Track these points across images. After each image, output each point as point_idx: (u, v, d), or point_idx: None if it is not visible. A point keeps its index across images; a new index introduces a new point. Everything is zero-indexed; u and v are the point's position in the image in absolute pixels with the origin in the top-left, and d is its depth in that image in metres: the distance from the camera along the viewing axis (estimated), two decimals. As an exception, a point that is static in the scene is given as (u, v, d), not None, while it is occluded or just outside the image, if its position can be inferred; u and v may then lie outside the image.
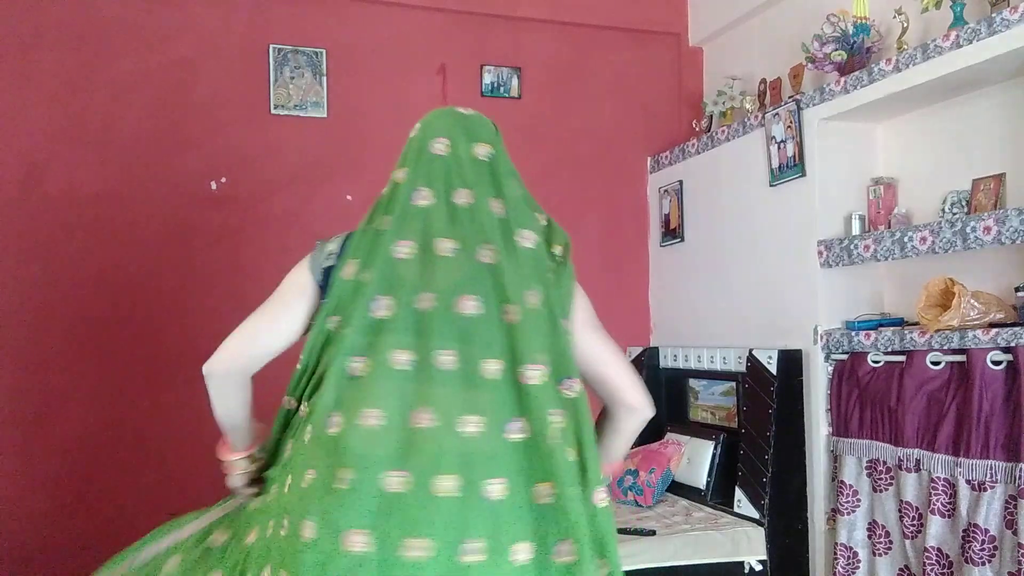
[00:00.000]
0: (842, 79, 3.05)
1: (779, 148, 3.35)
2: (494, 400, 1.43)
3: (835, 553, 3.01)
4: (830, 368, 3.13)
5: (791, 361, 3.22)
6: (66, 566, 3.36)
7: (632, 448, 3.88)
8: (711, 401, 3.79)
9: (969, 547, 2.52)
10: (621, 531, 3.12)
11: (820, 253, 3.16)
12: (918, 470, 2.73)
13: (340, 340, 1.48)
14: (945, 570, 2.64)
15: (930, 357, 2.72)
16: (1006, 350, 2.48)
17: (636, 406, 1.64)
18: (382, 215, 1.54)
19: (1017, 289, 2.57)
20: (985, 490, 2.50)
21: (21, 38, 3.38)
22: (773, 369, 3.22)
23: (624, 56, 4.29)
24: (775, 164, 3.38)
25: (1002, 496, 2.48)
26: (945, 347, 2.66)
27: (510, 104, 4.09)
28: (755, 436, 3.27)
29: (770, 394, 3.21)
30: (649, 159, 4.33)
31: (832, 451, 3.11)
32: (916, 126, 3.12)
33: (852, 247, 3.02)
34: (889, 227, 3.05)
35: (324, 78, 3.78)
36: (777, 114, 3.34)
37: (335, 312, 1.52)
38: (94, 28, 3.48)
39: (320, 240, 1.64)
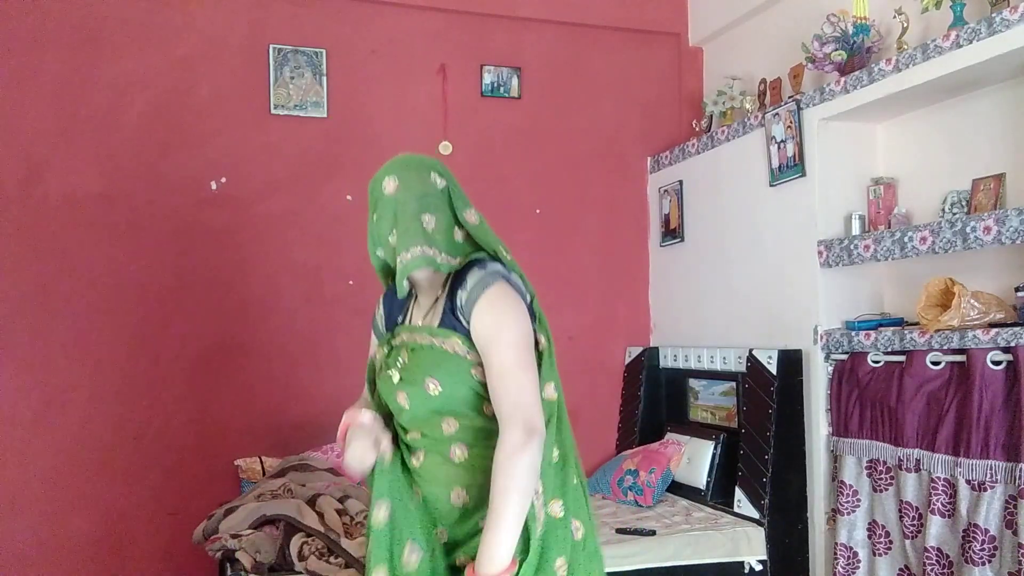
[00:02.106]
0: (842, 79, 3.05)
1: (779, 148, 3.35)
2: None
3: (835, 553, 3.01)
4: (830, 368, 3.13)
5: (791, 361, 3.22)
6: (66, 566, 3.36)
7: (633, 449, 3.90)
8: (711, 401, 3.79)
9: (969, 547, 2.52)
10: (621, 531, 3.13)
11: (820, 253, 3.16)
12: (918, 470, 2.73)
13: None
14: (945, 570, 2.64)
15: (930, 357, 2.72)
16: (1006, 350, 2.48)
17: None
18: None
19: (1017, 289, 2.57)
20: (985, 490, 2.50)
21: (21, 38, 3.38)
22: (773, 369, 3.22)
23: (624, 56, 4.29)
24: (775, 164, 3.38)
25: (1002, 496, 2.48)
26: (945, 347, 2.66)
27: (510, 104, 4.09)
28: (755, 436, 3.27)
29: (770, 394, 3.21)
30: (649, 159, 4.33)
31: (832, 451, 3.11)
32: (916, 126, 3.12)
33: (852, 247, 3.02)
34: (889, 227, 3.05)
35: (324, 78, 3.78)
36: (777, 114, 3.34)
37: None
38: (94, 28, 3.48)
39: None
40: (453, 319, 1.67)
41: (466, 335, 1.65)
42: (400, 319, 1.81)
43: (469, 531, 1.68)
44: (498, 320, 1.63)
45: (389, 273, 1.79)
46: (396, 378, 1.71)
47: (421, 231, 1.66)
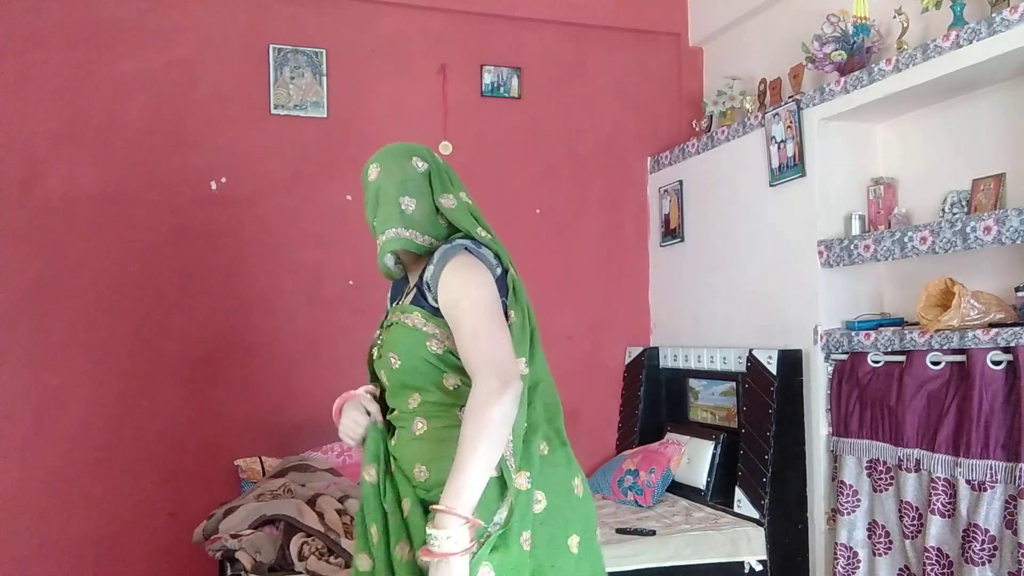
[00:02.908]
0: (842, 79, 3.05)
1: (779, 148, 3.35)
2: None
3: (835, 553, 3.01)
4: (830, 368, 3.13)
5: (791, 361, 3.22)
6: (66, 566, 3.36)
7: (633, 449, 3.90)
8: (711, 401, 3.79)
9: (969, 547, 2.52)
10: (621, 531, 3.13)
11: (820, 253, 3.16)
12: (918, 470, 2.73)
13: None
14: (945, 570, 2.64)
15: (930, 357, 2.72)
16: (1006, 350, 2.48)
17: None
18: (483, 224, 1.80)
19: (1017, 289, 2.57)
20: (985, 490, 2.50)
21: (21, 38, 3.38)
22: (773, 369, 3.22)
23: (624, 56, 4.29)
24: (775, 164, 3.38)
25: (1002, 496, 2.48)
26: (945, 347, 2.66)
27: (510, 104, 4.09)
28: (755, 436, 3.27)
29: (770, 394, 3.21)
30: (649, 159, 4.33)
31: (832, 451, 3.11)
32: (916, 126, 3.13)
33: (852, 247, 3.02)
34: (889, 227, 3.05)
35: (324, 78, 3.78)
36: (777, 114, 3.34)
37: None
38: (94, 28, 3.48)
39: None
40: (419, 296, 1.71)
41: (429, 310, 1.68)
42: (395, 303, 1.87)
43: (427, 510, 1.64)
44: (462, 285, 1.63)
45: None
46: (376, 355, 1.79)
47: (399, 213, 1.72)
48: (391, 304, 1.90)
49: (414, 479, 1.68)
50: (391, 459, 1.74)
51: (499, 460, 1.54)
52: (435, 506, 1.50)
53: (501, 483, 1.57)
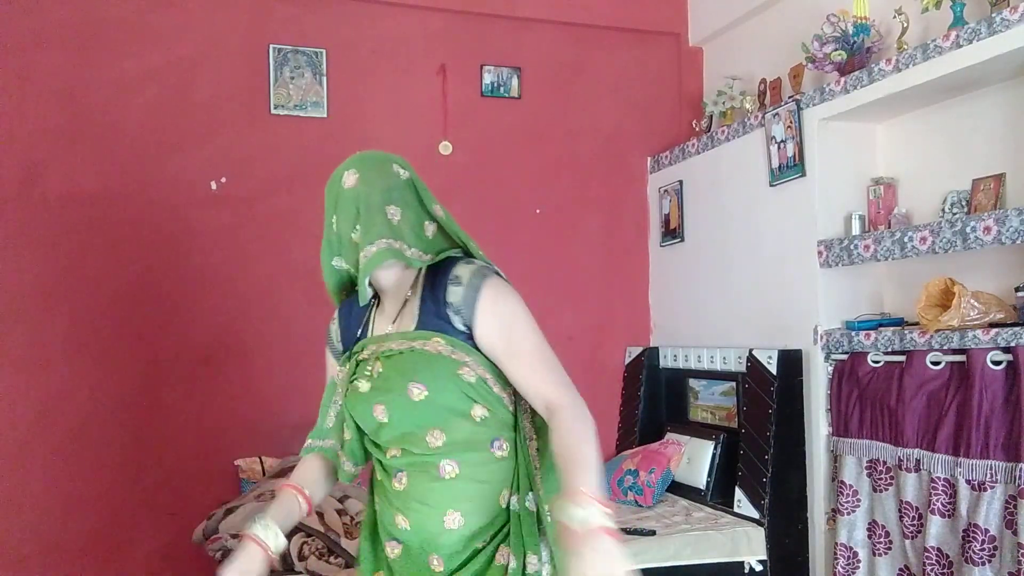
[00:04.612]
0: (842, 79, 3.05)
1: (779, 148, 3.35)
2: None
3: (835, 553, 3.01)
4: (830, 368, 3.13)
5: (791, 361, 3.22)
6: (66, 566, 3.36)
7: (633, 449, 3.90)
8: (711, 401, 3.79)
9: (969, 547, 2.52)
10: (621, 531, 3.12)
11: (820, 253, 3.16)
12: (918, 470, 2.73)
13: None
14: (945, 570, 2.63)
15: (930, 357, 2.72)
16: (1006, 350, 2.47)
17: None
18: None
19: (1017, 289, 2.57)
20: (985, 490, 2.50)
21: (21, 38, 3.38)
22: (773, 369, 3.22)
23: (624, 56, 4.29)
24: (775, 164, 3.38)
25: (1002, 496, 2.48)
26: (945, 347, 2.66)
27: (510, 104, 4.09)
28: (755, 436, 3.27)
29: (770, 394, 3.21)
30: (649, 159, 4.33)
31: (832, 451, 3.11)
32: (916, 126, 3.12)
33: (852, 247, 3.02)
34: (889, 227, 3.05)
35: (324, 78, 3.78)
36: (777, 114, 3.34)
37: None
38: (94, 28, 3.48)
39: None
40: (437, 320, 1.56)
41: (455, 335, 1.55)
42: (360, 332, 1.68)
43: (469, 557, 1.55)
44: (512, 310, 1.55)
45: (343, 287, 1.70)
46: (365, 387, 1.58)
47: (387, 223, 1.54)
48: (346, 336, 1.71)
49: (443, 527, 1.54)
50: (397, 511, 1.59)
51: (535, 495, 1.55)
52: (582, 489, 1.36)
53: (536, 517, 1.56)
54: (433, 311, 1.57)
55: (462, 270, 1.58)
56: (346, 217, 1.58)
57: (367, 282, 1.56)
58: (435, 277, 1.60)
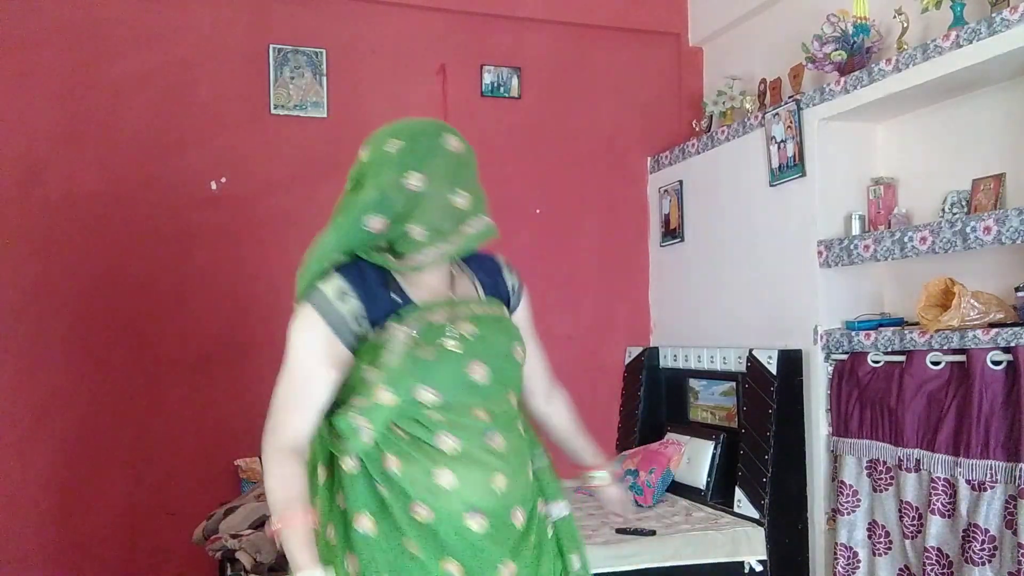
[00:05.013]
0: (842, 79, 3.05)
1: (779, 148, 3.35)
2: None
3: (835, 553, 3.01)
4: (830, 368, 3.13)
5: (791, 361, 3.22)
6: (66, 566, 3.36)
7: (633, 449, 3.89)
8: (711, 401, 3.79)
9: (969, 547, 2.52)
10: (621, 531, 3.12)
11: (820, 253, 3.16)
12: (918, 470, 2.73)
13: None
14: (945, 570, 2.63)
15: (930, 357, 2.72)
16: (1006, 350, 2.47)
17: None
18: None
19: (1017, 289, 2.57)
20: (985, 490, 2.50)
21: (21, 38, 3.38)
22: (773, 369, 3.22)
23: (624, 56, 4.29)
24: (775, 164, 3.38)
25: (1002, 496, 2.47)
26: (945, 347, 2.66)
27: (510, 104, 4.09)
28: (755, 436, 3.27)
29: (770, 394, 3.21)
30: (649, 159, 4.33)
31: (832, 451, 3.11)
32: (916, 126, 3.12)
33: (852, 247, 3.02)
34: (889, 227, 3.05)
35: (324, 78, 3.78)
36: (777, 114, 3.34)
37: None
38: (94, 28, 3.48)
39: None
40: (496, 296, 1.71)
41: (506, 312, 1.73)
42: (401, 301, 1.55)
43: (533, 507, 1.66)
44: (529, 298, 1.80)
45: (351, 250, 1.59)
46: (459, 348, 1.50)
47: (484, 199, 1.64)
48: (379, 304, 1.54)
49: (528, 479, 1.65)
50: (493, 472, 1.53)
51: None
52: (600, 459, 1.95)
53: None
54: (491, 286, 1.70)
55: (501, 260, 1.77)
56: (447, 178, 1.57)
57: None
58: (479, 259, 1.74)
